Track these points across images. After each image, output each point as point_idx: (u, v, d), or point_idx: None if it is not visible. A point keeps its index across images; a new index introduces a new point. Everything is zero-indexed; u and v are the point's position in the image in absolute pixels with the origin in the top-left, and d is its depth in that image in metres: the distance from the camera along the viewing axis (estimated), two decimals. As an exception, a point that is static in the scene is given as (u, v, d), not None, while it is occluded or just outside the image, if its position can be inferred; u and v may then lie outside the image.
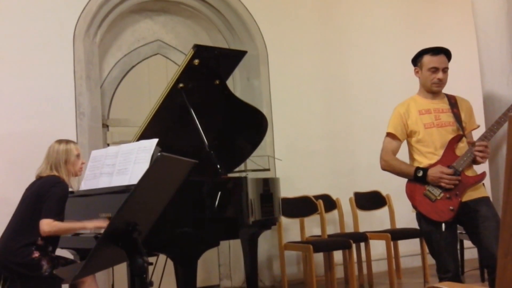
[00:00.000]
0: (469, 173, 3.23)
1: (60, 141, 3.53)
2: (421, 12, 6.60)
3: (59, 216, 3.29)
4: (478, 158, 3.16)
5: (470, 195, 3.20)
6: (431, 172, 3.20)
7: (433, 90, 3.33)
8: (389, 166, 3.39)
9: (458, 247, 3.68)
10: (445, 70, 3.31)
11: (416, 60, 3.39)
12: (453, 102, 3.32)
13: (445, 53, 3.33)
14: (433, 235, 3.23)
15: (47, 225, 3.24)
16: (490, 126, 3.21)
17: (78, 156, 3.53)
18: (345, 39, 6.19)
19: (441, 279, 3.25)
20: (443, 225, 3.20)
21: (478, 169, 3.30)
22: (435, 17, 6.61)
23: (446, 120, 3.28)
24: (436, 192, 3.20)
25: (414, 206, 3.29)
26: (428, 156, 3.28)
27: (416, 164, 3.31)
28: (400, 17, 6.49)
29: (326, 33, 6.09)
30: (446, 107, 3.31)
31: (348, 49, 6.19)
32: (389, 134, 3.42)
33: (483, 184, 3.32)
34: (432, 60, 3.30)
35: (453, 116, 3.28)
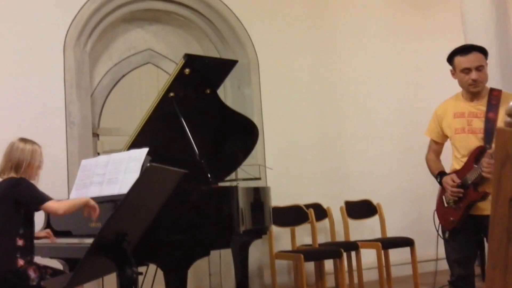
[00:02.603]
0: (481, 188, 3.08)
1: (25, 141, 3.38)
2: (413, 17, 6.64)
3: (49, 196, 3.24)
4: (484, 174, 2.98)
5: (483, 210, 3.08)
6: (443, 180, 3.21)
7: (470, 91, 3.18)
8: (427, 165, 3.42)
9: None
10: (479, 68, 3.13)
11: (450, 62, 3.26)
12: (493, 103, 3.11)
13: (479, 50, 3.18)
14: (444, 236, 3.26)
15: (56, 204, 3.16)
16: None
17: (41, 161, 3.41)
18: (337, 47, 6.22)
19: (448, 282, 3.29)
20: (447, 232, 3.21)
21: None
22: (426, 23, 6.65)
23: (476, 126, 3.15)
24: (447, 199, 3.22)
25: None
26: (457, 161, 3.25)
27: (451, 167, 3.29)
28: (392, 24, 6.53)
29: (318, 41, 6.12)
30: (482, 110, 3.14)
31: (340, 58, 6.21)
32: (427, 135, 3.45)
33: None
34: (462, 61, 3.15)
35: (484, 121, 3.11)
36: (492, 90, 3.20)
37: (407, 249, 5.26)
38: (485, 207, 3.07)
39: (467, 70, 3.14)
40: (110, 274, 2.43)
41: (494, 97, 3.14)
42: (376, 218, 5.67)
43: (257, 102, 5.73)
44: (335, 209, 5.52)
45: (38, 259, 3.47)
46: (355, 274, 5.26)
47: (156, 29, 5.68)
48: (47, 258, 3.68)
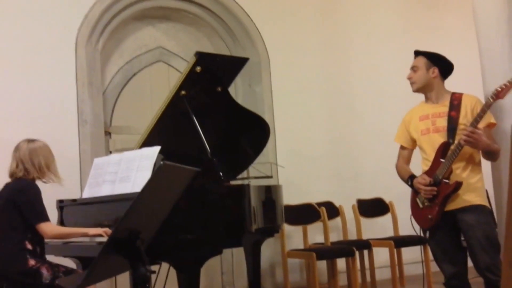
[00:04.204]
0: (454, 178, 3.14)
1: (31, 141, 3.38)
2: (424, 15, 6.59)
3: (47, 215, 3.28)
4: (461, 142, 3.05)
5: (456, 204, 3.16)
6: (414, 182, 3.27)
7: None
8: (398, 173, 3.49)
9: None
10: (413, 68, 3.38)
11: None
12: (455, 103, 3.25)
13: (422, 54, 3.38)
14: (427, 239, 3.32)
15: (47, 227, 3.23)
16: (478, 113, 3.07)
17: (51, 159, 3.42)
18: (348, 45, 6.19)
19: (444, 284, 3.30)
20: (427, 232, 3.26)
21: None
22: (437, 21, 6.61)
23: (440, 125, 3.26)
24: (422, 199, 3.25)
25: None
26: (425, 162, 3.32)
27: (421, 171, 3.33)
28: (402, 21, 6.49)
29: (328, 39, 6.09)
30: (445, 110, 3.27)
31: (351, 55, 6.19)
32: (396, 142, 3.52)
33: (484, 190, 3.27)
34: None
35: (447, 119, 3.23)
36: (454, 93, 3.34)
37: (420, 247, 5.22)
38: (455, 202, 3.15)
39: None
40: (123, 273, 2.43)
41: (456, 98, 3.28)
42: (388, 216, 5.64)
43: (268, 100, 5.71)
44: (347, 207, 5.50)
45: (51, 258, 3.48)
46: (367, 272, 5.24)
47: (166, 27, 5.68)
48: (60, 257, 3.69)
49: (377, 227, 5.70)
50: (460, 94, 3.31)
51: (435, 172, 3.18)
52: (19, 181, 3.34)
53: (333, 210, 5.44)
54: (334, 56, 6.09)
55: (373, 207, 5.66)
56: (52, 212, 3.62)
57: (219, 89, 3.98)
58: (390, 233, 5.57)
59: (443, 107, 3.28)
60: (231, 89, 4.26)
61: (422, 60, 3.35)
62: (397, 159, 3.51)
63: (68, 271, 3.30)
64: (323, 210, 5.22)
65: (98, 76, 5.05)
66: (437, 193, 3.15)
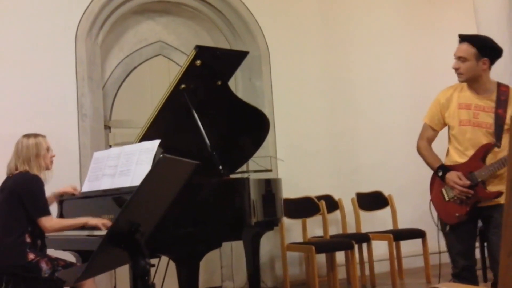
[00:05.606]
0: (491, 186, 3.08)
1: (28, 136, 3.46)
2: (424, 12, 6.59)
3: (49, 210, 3.33)
4: None
5: (485, 201, 3.10)
6: (448, 176, 3.13)
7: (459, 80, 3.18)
8: (420, 154, 3.32)
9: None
10: (460, 59, 3.10)
11: None
12: (502, 99, 3.06)
13: (469, 41, 3.11)
14: (444, 229, 3.25)
15: (48, 222, 3.27)
16: None
17: (48, 149, 3.48)
18: (348, 39, 6.18)
19: (452, 275, 3.27)
20: (448, 226, 3.19)
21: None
22: (438, 18, 6.60)
23: (483, 120, 3.09)
24: (450, 194, 3.16)
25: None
26: (458, 153, 3.18)
27: (448, 157, 3.24)
28: (403, 18, 6.48)
29: (329, 33, 6.08)
30: (490, 105, 3.09)
31: (351, 49, 6.18)
32: (426, 122, 3.33)
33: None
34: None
35: (494, 117, 3.06)
36: (500, 85, 3.15)
37: (419, 240, 5.24)
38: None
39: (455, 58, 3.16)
40: (122, 266, 2.44)
41: (503, 93, 3.10)
42: (387, 209, 5.65)
43: (268, 94, 5.71)
44: (347, 200, 5.52)
45: (50, 252, 3.50)
46: (366, 266, 5.25)
47: (166, 21, 5.68)
48: (60, 251, 3.71)
49: (376, 221, 5.71)
50: (507, 88, 3.14)
51: (472, 170, 3.07)
52: (22, 175, 3.36)
53: (332, 204, 5.45)
54: (334, 50, 6.09)
55: (372, 201, 5.67)
56: (53, 205, 3.63)
57: (219, 82, 3.98)
58: (389, 226, 5.58)
59: (489, 101, 3.10)
60: (231, 83, 4.24)
61: (471, 50, 3.07)
62: (419, 138, 3.32)
63: (67, 265, 3.31)
64: (322, 204, 5.23)
65: (98, 70, 5.05)
66: (472, 194, 3.07)
